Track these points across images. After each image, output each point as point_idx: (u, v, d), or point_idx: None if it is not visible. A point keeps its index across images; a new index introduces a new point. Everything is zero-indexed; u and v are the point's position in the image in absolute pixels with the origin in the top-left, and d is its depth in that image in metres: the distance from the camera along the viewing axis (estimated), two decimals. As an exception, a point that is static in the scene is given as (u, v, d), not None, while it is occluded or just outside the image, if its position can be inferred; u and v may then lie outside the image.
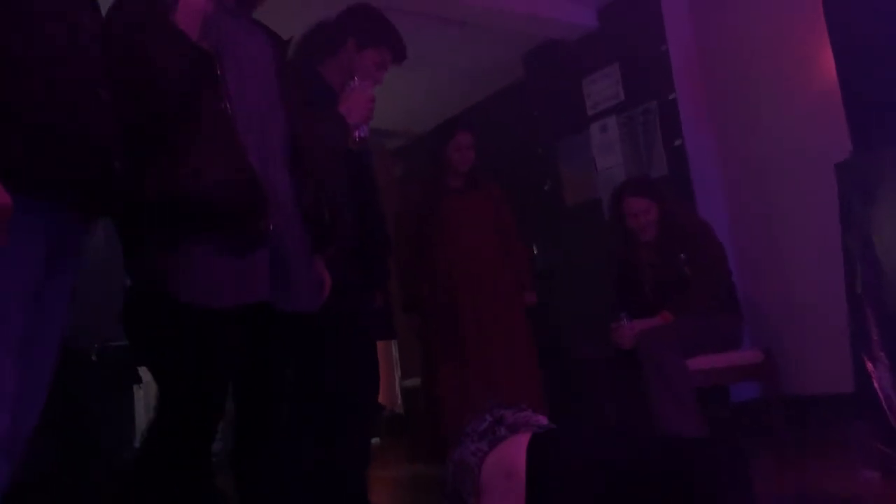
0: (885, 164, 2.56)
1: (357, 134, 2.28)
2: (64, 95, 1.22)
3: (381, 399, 2.83)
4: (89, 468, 3.06)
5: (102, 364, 3.47)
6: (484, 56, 4.95)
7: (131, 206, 1.56)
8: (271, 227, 1.72)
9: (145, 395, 4.75)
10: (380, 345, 2.84)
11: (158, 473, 1.67)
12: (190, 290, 1.65)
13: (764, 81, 3.91)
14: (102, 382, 3.39)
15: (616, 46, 4.40)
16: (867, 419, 2.54)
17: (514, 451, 1.82)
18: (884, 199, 2.53)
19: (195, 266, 1.66)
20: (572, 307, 4.61)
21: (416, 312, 3.50)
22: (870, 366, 2.54)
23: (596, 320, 3.58)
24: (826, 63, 3.44)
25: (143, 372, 3.73)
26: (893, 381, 2.48)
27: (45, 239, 1.27)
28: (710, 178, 4.13)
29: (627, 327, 3.06)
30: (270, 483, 1.90)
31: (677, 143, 4.11)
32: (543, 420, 1.98)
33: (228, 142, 1.69)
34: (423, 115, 5.81)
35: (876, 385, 2.52)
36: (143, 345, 1.76)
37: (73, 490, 2.99)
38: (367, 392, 2.61)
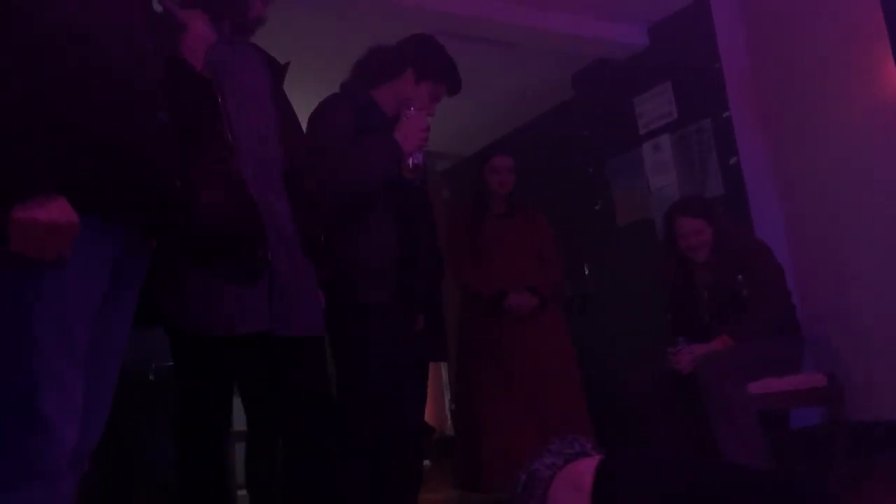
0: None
1: (411, 161, 2.31)
2: (128, 118, 1.26)
3: (430, 421, 2.81)
4: (157, 490, 3.11)
5: (159, 384, 3.53)
6: (532, 77, 4.95)
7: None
8: (269, 256, 1.80)
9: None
10: (430, 366, 2.83)
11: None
12: (188, 319, 1.73)
13: (821, 97, 3.81)
14: (161, 403, 3.44)
15: (668, 64, 4.34)
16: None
17: (584, 469, 1.83)
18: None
19: (193, 296, 1.73)
20: (623, 329, 4.53)
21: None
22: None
23: (647, 343, 3.50)
24: (888, 77, 3.35)
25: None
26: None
27: (111, 257, 1.30)
28: (767, 197, 4.03)
29: (686, 352, 2.98)
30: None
31: (732, 161, 4.03)
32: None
33: (228, 170, 1.73)
34: (471, 137, 5.83)
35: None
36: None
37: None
38: (416, 414, 2.60)
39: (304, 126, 2.34)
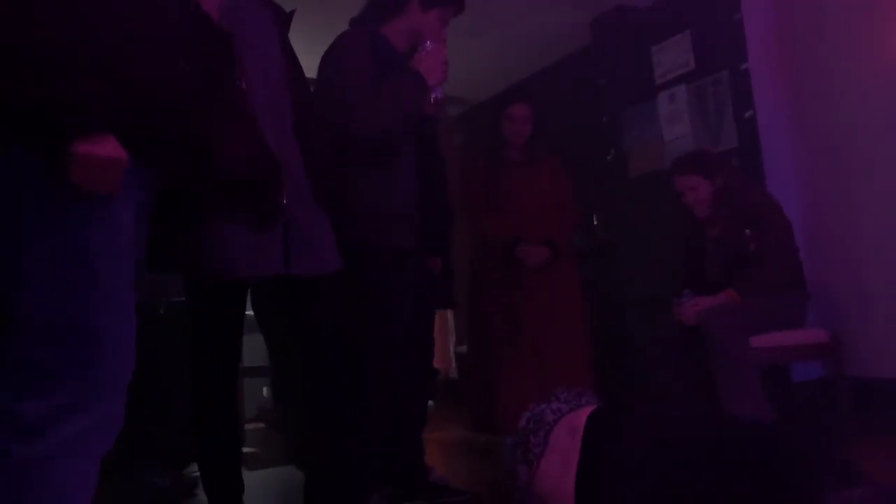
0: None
1: (433, 96, 2.30)
2: (156, 65, 1.30)
3: (436, 363, 2.87)
4: (157, 419, 3.19)
5: (169, 318, 3.59)
6: (549, 21, 4.88)
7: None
8: (285, 201, 1.85)
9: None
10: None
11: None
12: (206, 263, 1.79)
13: (842, 53, 3.76)
14: (169, 336, 3.51)
15: (688, 13, 4.27)
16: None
17: (580, 418, 1.92)
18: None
19: (210, 241, 1.78)
20: (634, 281, 4.56)
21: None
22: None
23: (659, 295, 3.53)
24: (911, 35, 3.29)
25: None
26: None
27: (138, 196, 1.36)
28: (782, 153, 4.01)
29: (690, 304, 3.01)
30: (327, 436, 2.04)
31: (748, 114, 3.99)
32: None
33: (246, 120, 1.77)
34: (486, 82, 5.77)
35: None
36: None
37: (142, 437, 3.13)
38: (424, 356, 2.65)
39: (315, 65, 2.33)
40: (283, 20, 2.04)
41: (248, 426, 4.60)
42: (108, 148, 1.20)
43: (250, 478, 2.02)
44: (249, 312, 2.55)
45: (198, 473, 3.25)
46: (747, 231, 3.11)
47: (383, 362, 2.30)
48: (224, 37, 1.70)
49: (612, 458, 1.85)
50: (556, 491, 1.89)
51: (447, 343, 6.12)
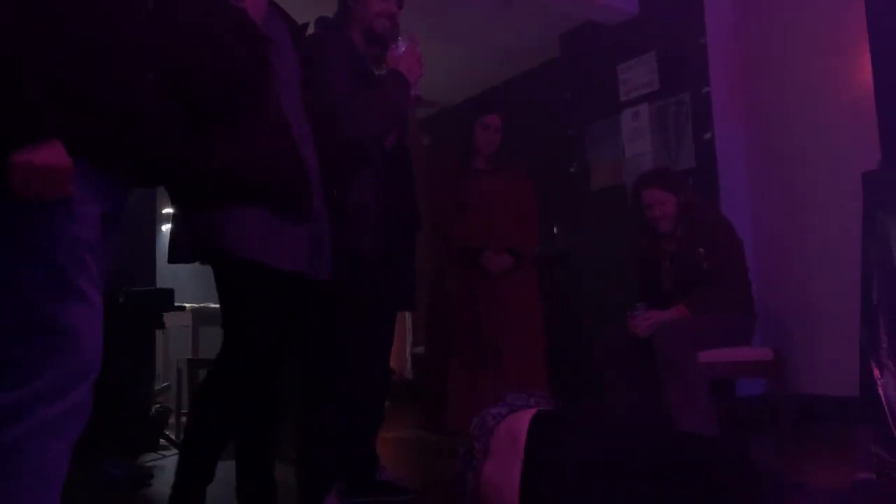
0: (913, 178, 2.59)
1: (413, 93, 2.37)
2: (118, 76, 1.36)
3: (391, 364, 2.91)
4: (112, 406, 3.18)
5: (129, 307, 3.58)
6: (522, 32, 4.96)
7: (195, 174, 1.75)
8: (315, 205, 1.94)
9: (165, 339, 4.89)
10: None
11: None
12: (245, 246, 1.82)
13: (799, 84, 3.92)
14: (128, 325, 3.50)
15: (655, 35, 4.40)
16: (869, 423, 2.60)
17: (521, 420, 1.93)
18: (907, 211, 2.56)
19: (249, 227, 1.81)
20: (591, 291, 4.67)
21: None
22: (877, 372, 2.59)
23: (614, 306, 3.63)
24: (863, 71, 3.45)
25: (167, 317, 3.85)
26: (898, 389, 2.54)
27: (103, 202, 1.41)
28: (737, 175, 4.16)
29: (643, 317, 3.11)
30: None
31: (707, 136, 4.13)
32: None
33: (279, 124, 1.85)
34: (455, 86, 5.84)
35: (881, 391, 2.57)
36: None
37: (97, 427, 3.11)
38: (383, 357, 2.69)
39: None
40: (296, 30, 2.11)
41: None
42: (49, 156, 1.22)
43: (224, 468, 2.03)
44: (206, 304, 2.55)
45: (152, 463, 3.27)
46: (701, 249, 3.22)
47: (342, 360, 2.36)
48: (266, 44, 1.78)
49: (554, 468, 1.88)
50: (499, 497, 1.91)
51: (404, 344, 6.16)
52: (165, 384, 4.74)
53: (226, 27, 1.71)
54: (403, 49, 2.36)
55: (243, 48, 1.72)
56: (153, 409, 3.78)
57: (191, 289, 4.74)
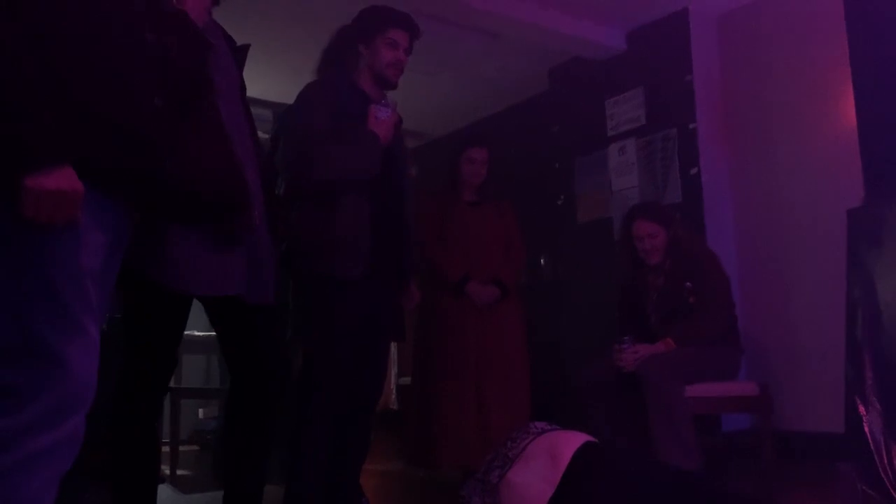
0: (896, 215, 2.62)
1: (391, 114, 2.48)
2: (128, 101, 1.35)
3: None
4: (94, 435, 3.12)
5: (110, 336, 3.53)
6: (510, 67, 5.02)
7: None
8: (255, 223, 1.88)
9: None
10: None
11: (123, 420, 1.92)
12: (168, 275, 1.79)
13: (785, 120, 3.98)
14: (111, 353, 3.45)
15: (642, 70, 4.46)
16: (854, 460, 2.60)
17: (566, 442, 1.94)
18: (891, 248, 2.59)
19: (176, 254, 1.79)
20: (576, 323, 4.67)
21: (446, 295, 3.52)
22: (862, 409, 2.59)
23: (599, 338, 3.63)
24: (847, 109, 3.50)
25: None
26: (883, 425, 2.54)
27: (111, 225, 1.40)
28: (723, 210, 4.19)
29: (630, 351, 3.11)
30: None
31: (693, 171, 4.17)
32: None
33: (220, 137, 1.80)
34: (444, 118, 5.88)
35: (866, 428, 2.57)
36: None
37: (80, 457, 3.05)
38: (375, 387, 2.67)
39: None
40: (240, 54, 2.10)
41: (183, 448, 4.53)
42: (61, 181, 1.21)
43: (184, 501, 1.98)
44: (189, 332, 2.52)
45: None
46: (688, 283, 3.24)
47: (324, 387, 2.35)
48: (206, 44, 1.72)
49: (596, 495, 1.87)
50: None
51: (389, 374, 6.12)
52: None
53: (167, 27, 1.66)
54: (386, 115, 2.45)
55: (184, 51, 1.68)
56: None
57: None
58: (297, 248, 2.42)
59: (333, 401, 2.36)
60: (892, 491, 2.43)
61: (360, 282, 2.38)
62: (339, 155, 2.38)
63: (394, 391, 6.06)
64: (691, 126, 4.20)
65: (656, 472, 2.04)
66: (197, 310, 2.05)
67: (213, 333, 2.16)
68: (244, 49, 2.11)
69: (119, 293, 1.92)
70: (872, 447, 2.53)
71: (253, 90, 2.21)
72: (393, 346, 6.07)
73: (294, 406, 2.29)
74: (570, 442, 1.95)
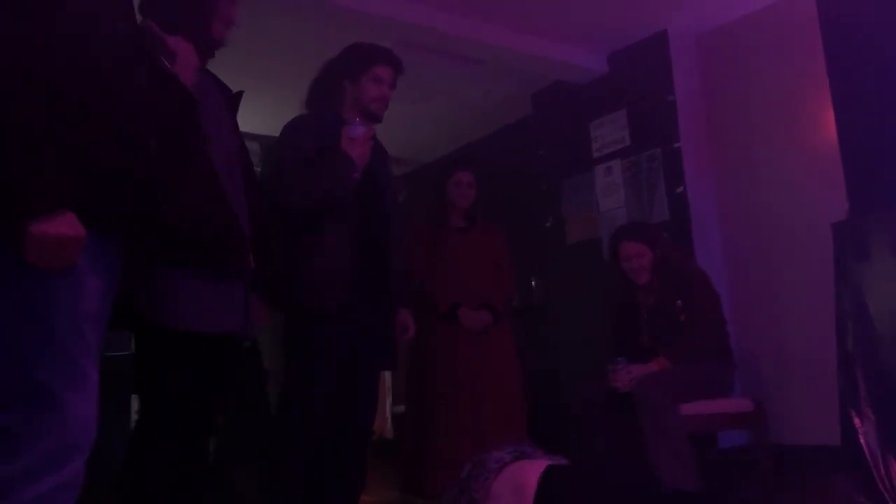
0: (882, 226, 2.65)
1: (365, 129, 2.50)
2: (126, 144, 1.37)
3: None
4: (88, 473, 3.10)
5: (104, 374, 3.51)
6: (494, 92, 5.07)
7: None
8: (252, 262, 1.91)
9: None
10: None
11: (146, 473, 1.87)
12: (174, 316, 1.79)
13: (767, 136, 4.03)
14: (107, 391, 3.42)
15: (624, 92, 4.51)
16: (851, 472, 2.61)
17: (529, 472, 1.90)
18: (878, 260, 2.62)
19: (173, 292, 1.79)
20: (568, 344, 4.68)
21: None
22: (857, 421, 2.60)
23: (591, 359, 3.63)
24: (828, 122, 3.56)
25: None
26: (879, 437, 2.55)
27: (109, 266, 1.41)
28: (710, 227, 4.23)
29: (625, 371, 3.11)
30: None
31: (679, 190, 4.21)
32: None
33: (211, 183, 1.84)
34: (431, 144, 5.92)
35: (862, 440, 2.58)
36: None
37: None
38: (365, 418, 2.67)
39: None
40: (233, 100, 2.14)
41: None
42: (64, 226, 1.22)
43: None
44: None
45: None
46: (679, 302, 3.26)
47: (303, 420, 2.36)
48: (193, 101, 1.78)
49: None
50: None
51: (384, 403, 6.10)
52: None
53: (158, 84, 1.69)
54: (359, 133, 2.46)
55: (173, 107, 1.71)
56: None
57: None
58: (275, 279, 2.43)
59: (312, 432, 2.36)
60: (890, 501, 2.44)
61: (341, 313, 2.40)
62: (311, 176, 2.41)
63: (389, 419, 6.03)
64: (675, 145, 4.25)
65: (630, 486, 2.03)
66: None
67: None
68: (238, 96, 2.15)
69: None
70: (869, 458, 2.54)
71: (242, 125, 2.23)
72: (387, 375, 6.06)
73: (272, 440, 2.29)
74: (532, 470, 1.91)
